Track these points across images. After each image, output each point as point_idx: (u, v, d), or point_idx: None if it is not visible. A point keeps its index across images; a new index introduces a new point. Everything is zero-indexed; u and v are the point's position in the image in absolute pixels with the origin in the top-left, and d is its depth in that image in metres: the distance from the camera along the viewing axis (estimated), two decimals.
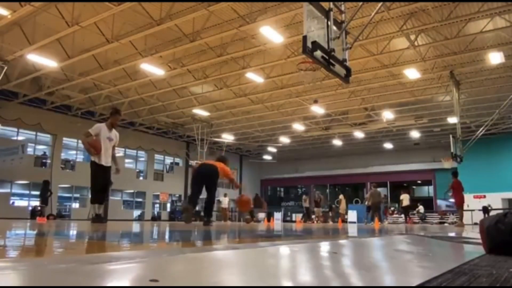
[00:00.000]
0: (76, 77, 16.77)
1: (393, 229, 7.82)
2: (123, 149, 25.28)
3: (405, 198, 19.70)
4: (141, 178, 27.22)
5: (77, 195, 23.42)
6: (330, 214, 24.23)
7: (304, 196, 23.60)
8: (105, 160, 6.68)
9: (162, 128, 26.12)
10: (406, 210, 19.67)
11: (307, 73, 13.14)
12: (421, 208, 25.71)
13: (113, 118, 6.92)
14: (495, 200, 22.38)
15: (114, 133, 6.91)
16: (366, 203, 17.92)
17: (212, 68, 16.33)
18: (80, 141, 22.21)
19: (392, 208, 27.70)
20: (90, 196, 7.05)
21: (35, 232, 4.11)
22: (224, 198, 22.86)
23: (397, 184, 30.49)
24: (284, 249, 1.78)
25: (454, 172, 14.19)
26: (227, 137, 26.45)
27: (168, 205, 29.28)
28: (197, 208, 8.02)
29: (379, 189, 17.94)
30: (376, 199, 17.04)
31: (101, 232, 4.05)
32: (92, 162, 6.67)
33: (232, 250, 1.51)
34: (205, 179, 7.42)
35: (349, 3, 8.67)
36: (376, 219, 15.46)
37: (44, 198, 16.98)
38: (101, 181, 6.70)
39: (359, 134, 25.02)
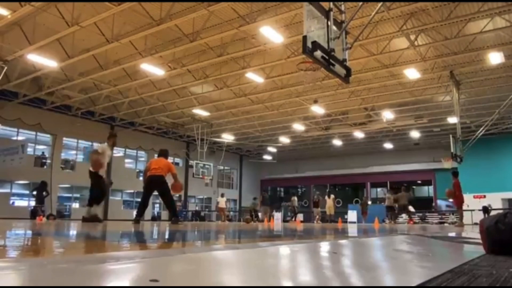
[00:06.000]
0: (76, 77, 16.76)
1: (403, 230, 7.80)
2: (123, 149, 25.24)
3: (388, 199, 20.00)
4: (141, 178, 27.17)
5: (77, 195, 23.39)
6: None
7: (293, 197, 24.11)
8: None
9: (162, 128, 26.11)
10: (388, 210, 20.04)
11: (307, 73, 13.13)
12: (410, 208, 25.80)
13: (114, 139, 8.31)
14: (495, 200, 22.34)
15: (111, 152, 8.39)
16: (390, 203, 18.48)
17: (212, 68, 16.31)
18: (77, 141, 22.83)
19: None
20: (89, 199, 8.27)
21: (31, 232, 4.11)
22: (222, 198, 22.78)
23: (397, 184, 30.44)
24: (284, 249, 1.78)
25: (454, 172, 14.04)
26: (227, 137, 26.44)
27: None
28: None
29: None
30: (402, 201, 17.72)
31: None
32: (99, 175, 7.91)
33: (232, 250, 1.51)
34: None
35: (349, 3, 8.68)
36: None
37: (40, 198, 16.86)
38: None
39: (359, 134, 24.99)
